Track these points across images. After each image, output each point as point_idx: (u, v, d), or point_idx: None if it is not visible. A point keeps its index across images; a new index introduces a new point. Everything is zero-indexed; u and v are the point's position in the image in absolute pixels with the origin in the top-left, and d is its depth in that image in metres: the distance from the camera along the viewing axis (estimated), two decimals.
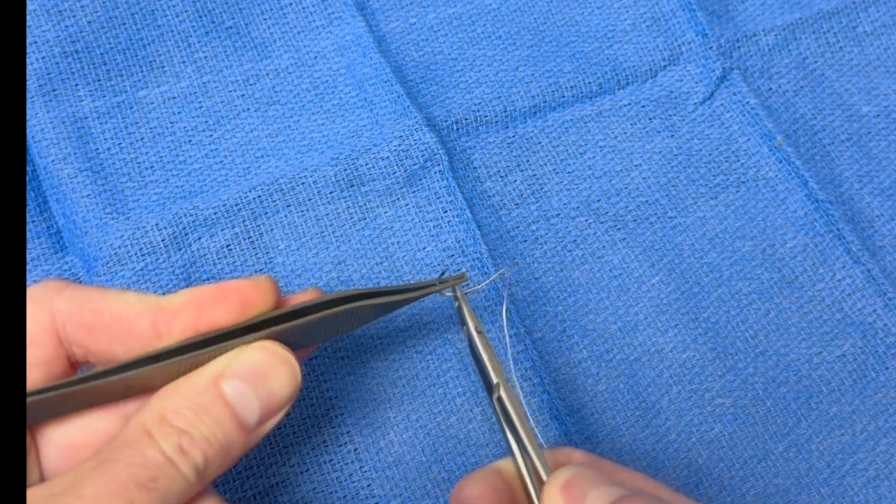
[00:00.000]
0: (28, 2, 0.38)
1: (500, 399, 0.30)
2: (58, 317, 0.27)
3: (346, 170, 0.37)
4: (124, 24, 0.39)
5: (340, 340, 0.36)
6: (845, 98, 0.44)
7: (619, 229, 0.40)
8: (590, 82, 0.42)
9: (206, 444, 0.25)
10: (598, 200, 0.40)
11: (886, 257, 0.41)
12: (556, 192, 0.40)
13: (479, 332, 0.31)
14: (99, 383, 0.26)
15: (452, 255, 0.37)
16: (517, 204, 0.40)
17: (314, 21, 0.41)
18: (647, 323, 0.38)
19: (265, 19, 0.41)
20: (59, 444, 0.27)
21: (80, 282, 0.36)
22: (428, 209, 0.38)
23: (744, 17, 0.45)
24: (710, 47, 0.43)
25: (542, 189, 0.40)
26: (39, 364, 0.26)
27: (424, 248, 0.37)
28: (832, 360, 0.38)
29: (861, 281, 0.40)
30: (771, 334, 0.39)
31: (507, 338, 0.35)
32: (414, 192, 0.38)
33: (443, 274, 0.34)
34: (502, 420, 0.30)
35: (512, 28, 0.43)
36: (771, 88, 0.43)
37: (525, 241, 0.39)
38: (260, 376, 0.26)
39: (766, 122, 0.42)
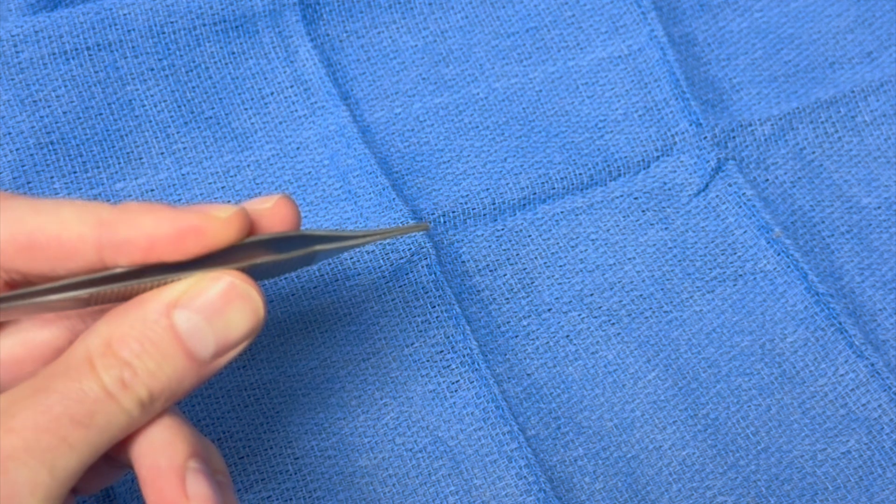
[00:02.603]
0: (1, 91, 0.37)
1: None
2: None
3: (329, 264, 0.37)
4: (101, 114, 0.38)
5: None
6: (845, 189, 0.43)
7: (613, 324, 0.39)
8: (580, 173, 0.41)
9: (151, 379, 0.24)
10: (591, 294, 0.40)
11: (890, 351, 0.40)
12: (547, 286, 0.40)
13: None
14: (39, 301, 0.24)
15: (441, 351, 0.37)
16: (507, 298, 0.39)
17: (296, 111, 0.40)
18: (644, 419, 0.37)
19: (246, 109, 0.40)
20: None
21: None
22: (415, 304, 0.37)
23: (739, 107, 0.44)
24: (705, 137, 0.42)
25: (532, 283, 0.40)
26: None
27: (412, 343, 0.37)
28: (837, 456, 0.37)
29: (865, 375, 0.39)
30: (773, 431, 0.38)
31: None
32: (400, 286, 0.37)
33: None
34: None
35: (500, 118, 0.42)
36: (768, 179, 0.43)
37: (516, 336, 0.38)
38: (217, 309, 0.24)
39: (763, 213, 0.41)
